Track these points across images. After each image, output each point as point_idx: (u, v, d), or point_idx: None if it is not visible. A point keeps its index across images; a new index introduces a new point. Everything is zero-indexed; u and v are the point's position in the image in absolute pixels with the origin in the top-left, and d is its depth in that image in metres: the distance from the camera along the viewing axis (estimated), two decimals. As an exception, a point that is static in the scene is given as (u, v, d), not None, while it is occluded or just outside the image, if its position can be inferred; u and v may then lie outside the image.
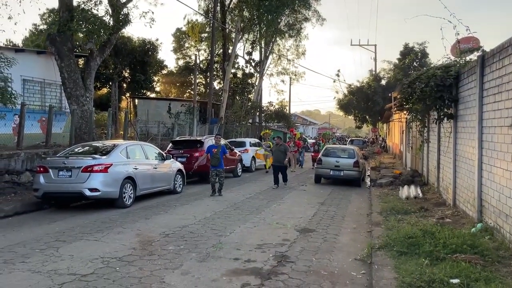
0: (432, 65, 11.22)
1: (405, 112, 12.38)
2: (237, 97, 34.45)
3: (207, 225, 8.19)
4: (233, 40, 29.98)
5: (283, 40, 36.69)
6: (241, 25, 29.80)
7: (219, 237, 7.30)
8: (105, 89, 31.36)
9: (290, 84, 45.33)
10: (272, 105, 35.05)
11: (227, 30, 30.85)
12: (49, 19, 40.67)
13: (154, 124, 26.05)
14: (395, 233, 6.31)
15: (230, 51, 29.94)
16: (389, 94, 28.95)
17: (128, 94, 33.43)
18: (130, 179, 10.34)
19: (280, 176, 14.76)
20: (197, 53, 38.88)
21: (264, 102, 37.27)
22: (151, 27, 17.64)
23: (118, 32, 17.90)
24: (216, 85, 44.14)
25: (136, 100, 32.09)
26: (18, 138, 12.39)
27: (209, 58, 43.47)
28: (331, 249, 6.75)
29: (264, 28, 32.30)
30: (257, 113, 35.12)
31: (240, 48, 35.12)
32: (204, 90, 44.33)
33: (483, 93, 6.67)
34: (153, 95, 35.55)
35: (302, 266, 5.81)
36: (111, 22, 17.17)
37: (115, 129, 24.49)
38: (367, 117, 42.45)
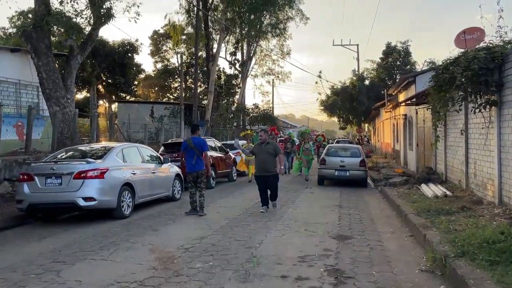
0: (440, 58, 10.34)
1: (421, 106, 11.16)
2: (220, 100, 33.29)
3: (228, 236, 7.05)
4: (217, 40, 28.86)
5: (266, 41, 35.72)
6: (224, 23, 28.69)
7: (249, 249, 6.18)
8: (82, 92, 29.68)
9: (273, 86, 44.52)
10: (258, 107, 34.02)
11: (210, 29, 29.72)
12: (18, 22, 38.67)
13: (137, 128, 24.63)
14: (470, 237, 5.34)
15: (214, 51, 28.79)
16: (382, 92, 28.40)
17: (106, 98, 31.81)
18: (128, 186, 9.06)
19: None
20: (182, 51, 37.29)
21: (248, 104, 36.22)
22: (136, 22, 16.57)
23: (100, 27, 16.50)
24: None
25: (116, 104, 30.48)
26: (-6, 144, 10.92)
27: (188, 61, 42.20)
28: (385, 259, 5.75)
29: (246, 29, 31.39)
30: (241, 116, 34.02)
31: (222, 50, 34.00)
32: (185, 94, 42.85)
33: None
34: (132, 99, 33.90)
35: (366, 282, 4.78)
36: (91, 20, 15.84)
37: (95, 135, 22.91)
38: (351, 117, 42.01)
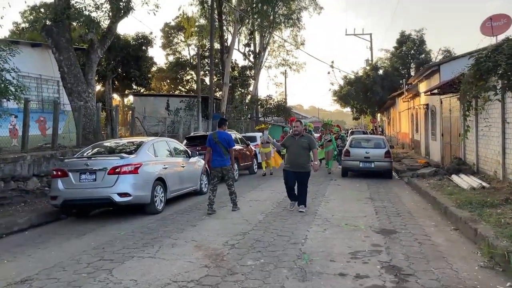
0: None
1: (452, 95, 10.61)
2: (234, 92, 33.06)
3: (269, 231, 6.93)
4: (231, 32, 28.60)
5: (279, 31, 35.36)
6: (240, 11, 28.37)
7: (295, 245, 6.05)
8: (96, 86, 29.58)
9: (285, 77, 44.22)
10: (271, 98, 33.76)
11: (224, 20, 29.43)
12: (31, 17, 38.60)
13: (153, 122, 24.59)
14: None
15: (228, 43, 28.55)
16: (400, 81, 28.00)
17: (119, 92, 31.74)
18: (160, 180, 8.98)
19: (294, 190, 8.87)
20: (194, 43, 36.97)
21: (262, 95, 35.95)
22: (155, 14, 16.31)
23: (120, 21, 16.35)
24: (208, 80, 42.55)
25: (129, 98, 30.40)
26: (23, 140, 10.88)
27: (200, 53, 41.94)
28: (438, 254, 5.58)
29: (259, 20, 31.09)
30: (255, 107, 33.79)
31: (235, 42, 33.66)
32: (196, 87, 42.66)
33: None
34: (146, 92, 33.80)
35: (429, 280, 4.62)
36: (111, 13, 15.68)
37: (111, 129, 22.81)
38: (365, 107, 41.54)
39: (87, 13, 14.74)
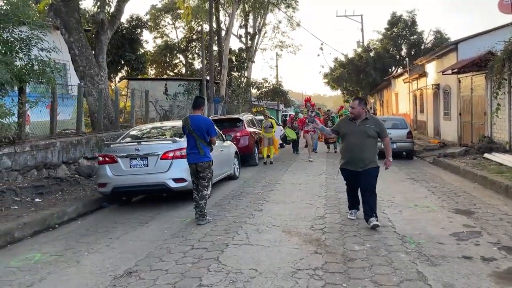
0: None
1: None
2: (232, 76, 32.45)
3: (344, 215, 6.65)
4: (229, 13, 27.92)
5: (274, 13, 34.83)
6: (236, -5, 27.68)
7: (386, 228, 5.85)
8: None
9: (277, 60, 43.83)
10: (267, 81, 33.33)
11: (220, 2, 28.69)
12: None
13: (151, 107, 23.85)
14: None
15: (227, 25, 27.90)
16: (404, 62, 27.95)
17: (113, 76, 30.68)
18: (207, 165, 8.59)
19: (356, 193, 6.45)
20: (182, 25, 36.04)
21: (257, 79, 35.48)
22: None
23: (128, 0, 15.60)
24: (197, 64, 41.83)
25: (120, 82, 29.45)
26: (51, 125, 10.31)
27: (188, 36, 41.13)
28: (539, 233, 5.46)
29: (250, 2, 30.53)
30: (251, 90, 33.33)
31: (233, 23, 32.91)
32: (187, 70, 41.81)
33: None
34: (139, 76, 32.79)
35: (557, 259, 4.48)
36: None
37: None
38: (357, 90, 41.55)
39: None
